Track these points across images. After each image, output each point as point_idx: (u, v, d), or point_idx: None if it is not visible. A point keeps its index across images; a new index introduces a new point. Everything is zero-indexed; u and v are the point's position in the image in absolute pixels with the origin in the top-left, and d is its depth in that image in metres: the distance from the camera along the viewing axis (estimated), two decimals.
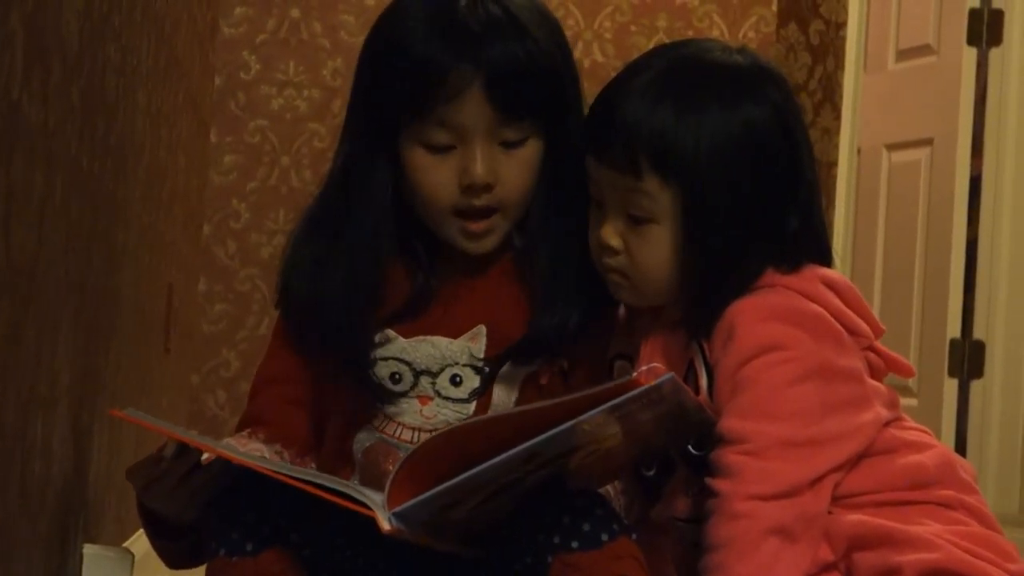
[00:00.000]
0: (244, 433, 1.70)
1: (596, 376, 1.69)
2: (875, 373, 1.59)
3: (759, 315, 1.53)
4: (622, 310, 1.69)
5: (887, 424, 1.56)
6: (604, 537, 1.47)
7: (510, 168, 1.63)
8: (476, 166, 1.61)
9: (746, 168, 1.54)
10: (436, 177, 1.63)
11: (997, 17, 5.09)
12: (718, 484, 1.49)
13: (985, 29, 5.10)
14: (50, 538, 1.78)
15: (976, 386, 5.11)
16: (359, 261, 1.65)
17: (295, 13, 4.20)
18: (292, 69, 4.20)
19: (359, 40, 1.73)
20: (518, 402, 1.66)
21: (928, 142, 5.20)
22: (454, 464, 1.42)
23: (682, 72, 1.58)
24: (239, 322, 4.16)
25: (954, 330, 5.09)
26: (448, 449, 1.44)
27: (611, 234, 1.59)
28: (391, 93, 1.62)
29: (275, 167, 4.19)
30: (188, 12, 3.21)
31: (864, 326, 1.57)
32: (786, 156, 1.57)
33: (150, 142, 2.59)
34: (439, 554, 1.52)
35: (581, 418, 1.40)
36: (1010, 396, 5.11)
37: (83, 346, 1.93)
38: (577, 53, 4.27)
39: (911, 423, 1.60)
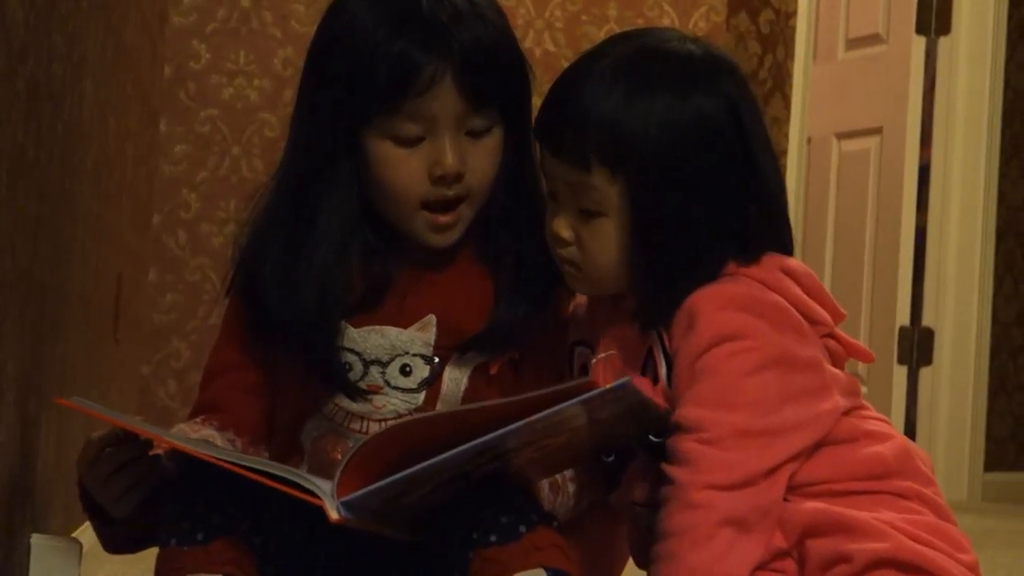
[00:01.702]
0: (197, 420, 1.69)
1: (548, 366, 1.70)
2: (835, 360, 1.59)
3: (719, 304, 1.53)
4: (582, 296, 1.69)
5: (847, 413, 1.56)
6: (522, 529, 1.47)
7: (477, 156, 1.64)
8: (447, 156, 1.61)
9: (696, 160, 1.54)
10: (406, 169, 1.63)
11: (946, 6, 5.13)
12: (674, 472, 1.49)
13: (934, 18, 5.14)
14: None
15: (925, 373, 5.15)
16: (332, 255, 1.65)
17: (245, 2, 4.19)
18: (242, 58, 4.19)
19: (310, 29, 1.72)
20: (467, 391, 1.66)
21: (877, 131, 5.23)
22: (405, 454, 1.42)
23: (632, 63, 1.57)
24: (190, 312, 4.15)
25: (903, 318, 5.13)
26: (401, 440, 1.44)
27: (562, 226, 1.59)
28: (357, 90, 1.61)
29: (226, 157, 4.18)
30: (137, 1, 3.19)
31: (824, 314, 1.57)
32: (739, 148, 1.56)
33: (98, 132, 2.58)
34: (387, 544, 1.53)
35: (535, 417, 1.40)
36: (958, 383, 5.15)
37: (30, 337, 1.93)
38: (528, 42, 4.28)
39: (872, 412, 1.60)
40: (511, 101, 1.66)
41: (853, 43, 5.38)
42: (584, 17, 4.35)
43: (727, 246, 1.56)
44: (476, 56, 1.60)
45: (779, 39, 4.69)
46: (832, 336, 1.59)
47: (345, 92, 1.62)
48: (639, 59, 1.58)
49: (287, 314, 1.65)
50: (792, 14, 4.73)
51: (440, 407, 1.65)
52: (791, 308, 1.54)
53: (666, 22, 4.33)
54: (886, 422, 1.61)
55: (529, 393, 1.44)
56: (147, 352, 4.09)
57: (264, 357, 1.70)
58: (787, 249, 1.60)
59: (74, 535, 2.27)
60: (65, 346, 2.29)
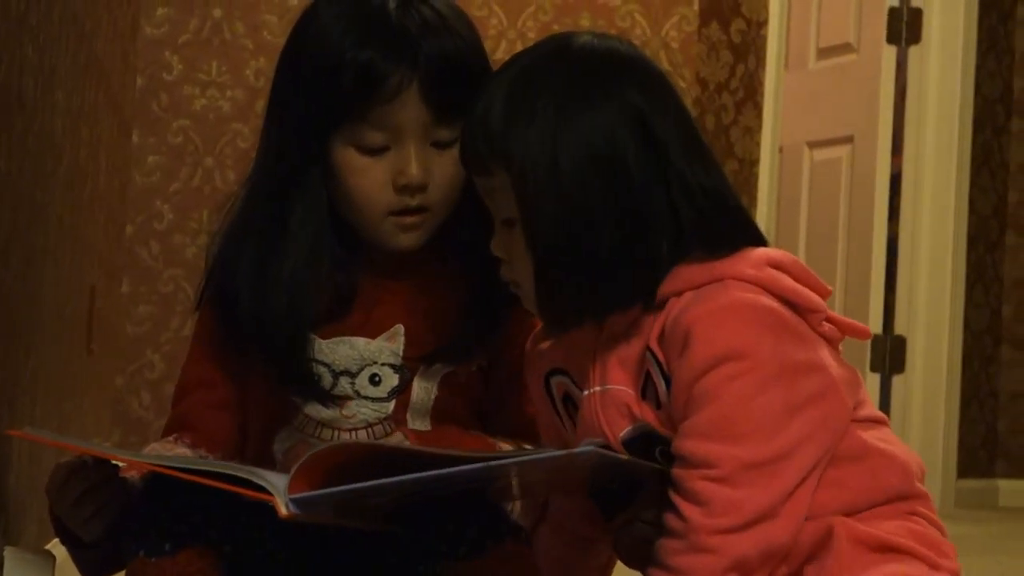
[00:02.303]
0: (170, 438, 1.70)
1: (516, 375, 1.71)
2: (832, 343, 1.55)
3: (714, 320, 1.47)
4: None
5: (854, 418, 1.52)
6: (488, 543, 1.47)
7: (442, 168, 1.64)
8: (411, 166, 1.62)
9: (581, 167, 1.49)
10: (370, 178, 1.63)
11: (916, 16, 5.15)
12: (687, 510, 1.45)
13: (904, 27, 5.16)
14: None
15: (898, 381, 5.16)
16: (302, 262, 1.65)
17: (217, 13, 4.19)
18: (215, 69, 4.19)
19: (282, 40, 1.72)
20: (437, 399, 1.67)
21: (849, 140, 5.25)
22: (364, 465, 1.42)
23: (529, 70, 1.54)
24: (163, 323, 4.14)
25: (876, 326, 5.15)
26: (362, 455, 1.45)
27: (496, 246, 1.56)
28: (325, 98, 1.62)
29: (199, 168, 4.18)
30: (109, 12, 3.19)
31: (818, 300, 1.52)
32: (644, 149, 1.51)
33: (70, 143, 2.57)
34: (356, 553, 1.53)
35: (501, 462, 1.40)
36: (931, 391, 5.17)
37: (1, 349, 1.92)
38: (500, 52, 4.28)
39: (870, 410, 1.56)
40: None
41: (824, 52, 5.40)
42: (556, 27, 4.36)
43: (655, 254, 1.51)
44: (442, 67, 1.61)
45: (750, 48, 4.71)
46: (827, 319, 1.54)
47: (313, 99, 1.63)
48: (536, 66, 1.55)
49: (258, 321, 1.65)
50: (763, 23, 4.75)
51: (410, 415, 1.66)
52: (784, 311, 1.50)
53: (638, 32, 4.35)
54: (885, 423, 1.57)
55: (507, 454, 1.44)
56: (121, 363, 4.09)
57: (235, 371, 1.70)
58: (761, 240, 1.56)
59: (47, 547, 2.27)
60: (38, 357, 2.28)
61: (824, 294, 1.55)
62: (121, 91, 3.67)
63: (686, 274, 1.52)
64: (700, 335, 1.47)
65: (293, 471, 1.41)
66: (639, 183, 1.51)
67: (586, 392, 1.56)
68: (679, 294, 1.51)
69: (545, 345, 1.63)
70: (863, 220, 5.18)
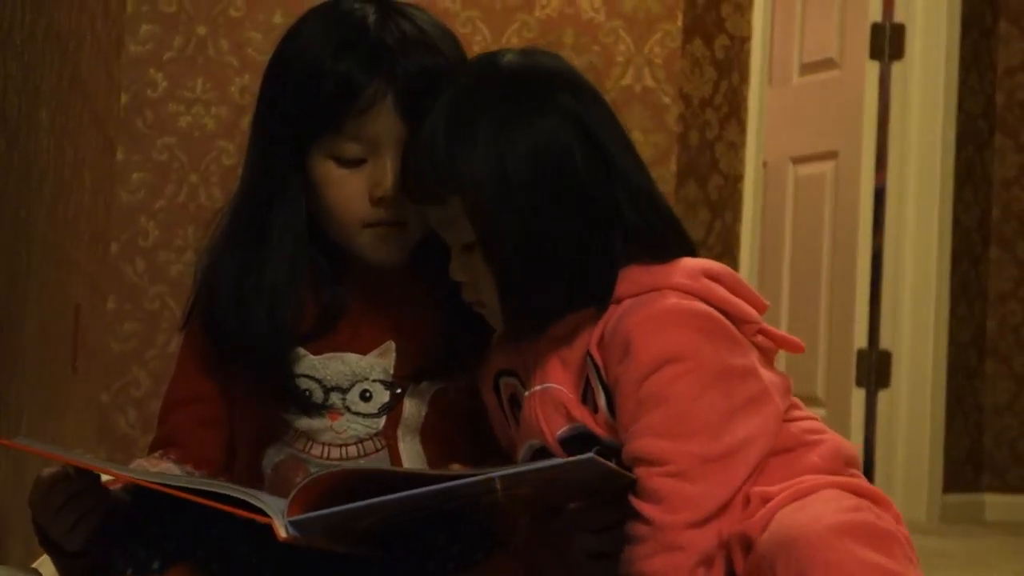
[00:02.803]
0: (156, 455, 1.70)
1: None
2: (766, 354, 1.60)
3: (654, 326, 1.53)
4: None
5: (785, 417, 1.58)
6: (478, 556, 1.48)
7: None
8: (387, 178, 1.63)
9: (530, 179, 1.53)
10: (346, 190, 1.64)
11: (899, 31, 5.17)
12: (648, 510, 1.49)
13: (887, 43, 5.18)
14: None
15: (883, 395, 5.17)
16: (282, 278, 1.66)
17: (202, 31, 4.19)
18: (200, 86, 4.19)
19: (266, 57, 1.74)
20: (427, 417, 1.67)
21: (833, 155, 5.27)
22: (360, 485, 1.43)
23: (462, 92, 1.57)
24: (149, 340, 4.14)
25: (861, 340, 5.15)
26: (357, 479, 1.45)
27: (455, 270, 1.59)
28: (304, 108, 1.63)
29: (184, 185, 4.18)
30: (92, 30, 3.19)
31: (751, 311, 1.58)
32: (587, 157, 1.55)
33: (54, 161, 2.57)
34: (344, 569, 1.53)
35: (498, 473, 1.42)
36: (916, 405, 5.18)
37: None
38: None
39: (803, 411, 1.61)
40: None
41: (807, 68, 5.42)
42: (541, 44, 4.36)
43: (606, 254, 1.55)
44: (420, 81, 1.62)
45: (734, 64, 4.72)
46: (761, 332, 1.60)
47: (292, 111, 1.64)
48: (469, 88, 1.58)
49: (239, 332, 1.65)
50: (747, 39, 4.76)
51: (401, 431, 1.67)
52: (720, 316, 1.55)
53: (622, 48, 4.36)
54: (815, 419, 1.62)
55: (496, 471, 1.46)
56: (106, 380, 4.08)
57: (222, 388, 1.71)
58: (691, 250, 1.61)
59: (34, 566, 2.26)
60: (22, 376, 2.28)
61: (759, 308, 1.60)
62: (105, 109, 3.67)
63: (634, 276, 1.56)
64: (640, 340, 1.52)
65: (292, 494, 1.42)
66: (588, 183, 1.56)
67: (527, 392, 1.59)
68: (619, 301, 1.54)
69: (495, 347, 1.66)
70: (847, 235, 5.19)
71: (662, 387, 1.51)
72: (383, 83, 1.61)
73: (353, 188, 1.64)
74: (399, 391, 1.67)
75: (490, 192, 1.53)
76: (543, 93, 1.56)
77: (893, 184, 5.19)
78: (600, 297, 1.56)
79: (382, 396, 1.67)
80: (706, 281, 1.56)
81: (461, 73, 1.61)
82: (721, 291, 1.57)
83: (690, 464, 1.49)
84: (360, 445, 1.66)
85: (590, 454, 1.44)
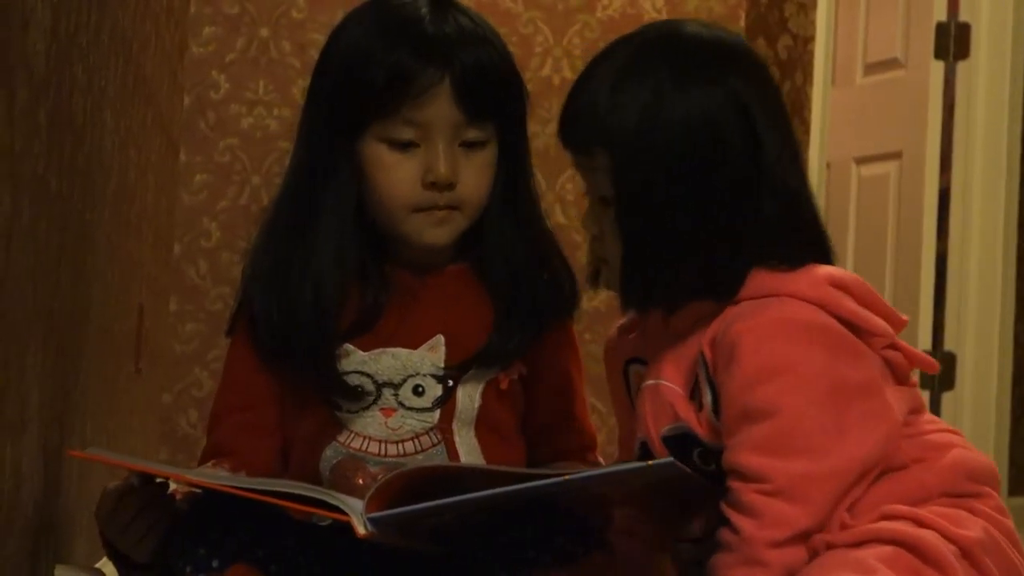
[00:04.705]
0: (208, 464, 1.70)
1: (556, 386, 1.71)
2: (897, 371, 1.54)
3: (763, 334, 1.48)
4: (628, 316, 1.66)
5: (906, 434, 1.52)
6: (578, 551, 1.48)
7: (470, 169, 1.66)
8: (440, 163, 1.64)
9: (680, 153, 1.50)
10: (398, 173, 1.65)
11: (964, 31, 5.12)
12: (740, 522, 1.46)
13: (952, 43, 5.13)
14: (19, 560, 1.77)
15: (947, 398, 5.13)
16: (329, 268, 1.66)
17: (264, 32, 4.20)
18: (262, 88, 4.20)
19: None
20: (481, 408, 1.68)
21: (897, 155, 5.23)
22: (435, 483, 1.43)
23: (637, 49, 1.56)
24: (210, 341, 4.15)
25: (925, 343, 5.11)
26: (434, 475, 1.46)
27: (588, 221, 1.58)
28: (360, 95, 1.64)
29: (246, 186, 4.19)
30: (156, 32, 3.20)
31: (882, 324, 1.52)
32: (744, 142, 1.52)
33: (118, 163, 2.58)
34: (405, 568, 1.53)
35: (577, 476, 1.42)
36: (981, 408, 5.13)
37: (52, 368, 1.93)
38: (546, 69, 4.28)
39: (934, 425, 1.56)
40: (508, 119, 1.69)
41: (871, 68, 5.37)
42: (602, 44, 4.34)
43: (739, 245, 1.51)
44: (475, 69, 1.64)
45: (797, 64, 4.69)
46: (893, 346, 1.54)
47: (343, 99, 1.66)
48: (641, 48, 1.57)
49: (286, 328, 1.66)
50: (810, 39, 4.73)
51: (456, 424, 1.67)
52: (842, 329, 1.49)
53: None
54: (951, 432, 1.57)
55: (577, 471, 1.46)
56: (168, 381, 4.10)
57: (271, 393, 1.71)
58: (827, 258, 1.56)
59: (97, 566, 2.27)
60: (87, 377, 2.29)
61: (894, 322, 1.53)
62: (169, 110, 3.69)
63: (759, 278, 1.51)
64: (746, 348, 1.48)
65: (371, 491, 1.42)
66: (736, 168, 1.51)
67: (643, 385, 1.57)
68: (738, 302, 1.51)
69: (629, 334, 1.65)
70: (911, 236, 5.14)
71: (768, 400, 1.46)
72: (439, 69, 1.63)
73: (405, 172, 1.65)
74: (451, 384, 1.67)
75: (637, 152, 1.50)
76: (715, 69, 1.53)
77: (958, 185, 5.15)
78: (722, 292, 1.51)
79: (435, 390, 1.67)
80: (831, 290, 1.51)
81: (640, 32, 1.59)
82: (847, 302, 1.50)
83: (790, 484, 1.45)
84: (416, 440, 1.67)
85: (670, 459, 1.43)
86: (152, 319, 3.48)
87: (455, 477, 1.45)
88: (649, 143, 1.50)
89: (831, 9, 4.76)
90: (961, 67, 5.14)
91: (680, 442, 1.54)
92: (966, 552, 1.46)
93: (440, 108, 1.63)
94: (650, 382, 1.57)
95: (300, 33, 4.20)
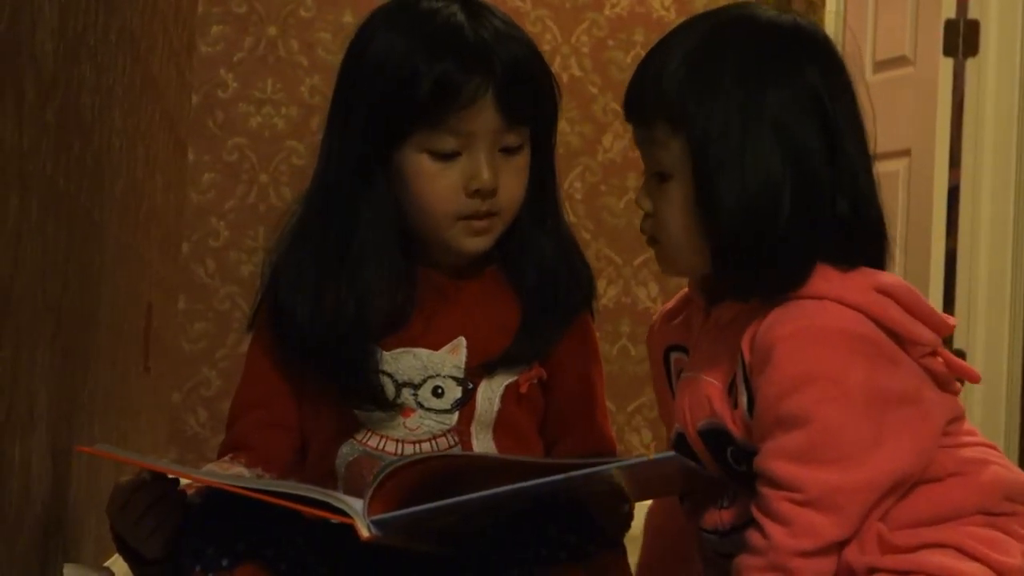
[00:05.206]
0: (226, 458, 1.70)
1: (575, 391, 1.71)
2: (939, 379, 1.51)
3: (801, 340, 1.45)
4: (673, 302, 1.65)
5: (944, 444, 1.50)
6: (591, 549, 1.48)
7: (509, 174, 1.66)
8: (484, 171, 1.64)
9: (759, 140, 1.47)
10: (442, 183, 1.65)
11: (973, 28, 5.11)
12: (770, 528, 1.44)
13: (961, 40, 5.12)
14: (29, 558, 1.77)
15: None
16: (373, 275, 1.66)
17: (272, 31, 4.20)
18: (270, 87, 4.20)
19: (337, 58, 1.73)
20: (500, 412, 1.67)
21: (906, 153, 5.22)
22: (436, 479, 1.42)
23: (715, 30, 1.53)
24: (219, 340, 4.15)
25: None
26: (436, 468, 1.45)
27: (642, 197, 1.55)
28: (401, 108, 1.63)
29: (254, 185, 4.19)
30: (164, 31, 3.20)
31: (927, 333, 1.48)
32: (819, 136, 1.49)
33: (126, 161, 2.58)
34: (415, 570, 1.53)
35: (573, 474, 1.41)
36: (990, 405, 5.12)
37: (60, 367, 1.93)
38: (555, 67, 4.26)
39: (974, 438, 1.53)
40: (542, 121, 1.69)
41: (880, 65, 5.37)
42: (611, 42, 4.35)
43: (815, 237, 1.48)
44: (516, 73, 1.64)
45: None
46: (935, 353, 1.51)
47: (382, 111, 1.64)
48: (721, 29, 1.53)
49: (322, 333, 1.65)
50: None
51: (475, 427, 1.67)
52: (882, 336, 1.46)
53: None
54: (990, 447, 1.54)
55: (576, 460, 1.45)
56: (177, 380, 4.10)
57: (291, 389, 1.71)
58: (880, 262, 1.53)
59: (106, 565, 2.28)
60: (95, 376, 2.29)
61: (940, 328, 1.50)
62: (177, 109, 3.69)
63: (821, 274, 1.48)
64: (782, 354, 1.45)
65: (369, 493, 1.41)
66: (815, 163, 1.49)
67: (683, 375, 1.56)
68: (784, 299, 1.49)
69: (673, 320, 1.63)
70: (920, 234, 5.14)
71: (804, 409, 1.44)
72: (483, 78, 1.62)
73: (449, 181, 1.65)
74: (471, 386, 1.67)
75: (721, 142, 1.47)
76: (793, 59, 1.51)
77: (967, 182, 5.14)
78: (785, 287, 1.47)
79: (454, 392, 1.67)
80: (876, 296, 1.47)
81: (712, 15, 1.56)
82: (892, 308, 1.47)
83: (821, 494, 1.43)
84: (434, 441, 1.67)
85: (673, 453, 1.43)
86: (160, 318, 3.48)
87: (456, 474, 1.44)
88: (731, 134, 1.47)
89: (840, 6, 4.76)
90: (970, 64, 5.13)
91: (715, 438, 1.52)
92: None
93: (484, 117, 1.63)
94: (689, 374, 1.56)
95: (308, 32, 4.20)
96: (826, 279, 1.48)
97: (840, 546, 1.45)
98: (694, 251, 1.52)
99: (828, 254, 1.49)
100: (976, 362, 5.12)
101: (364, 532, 1.40)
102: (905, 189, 5.22)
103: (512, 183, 1.66)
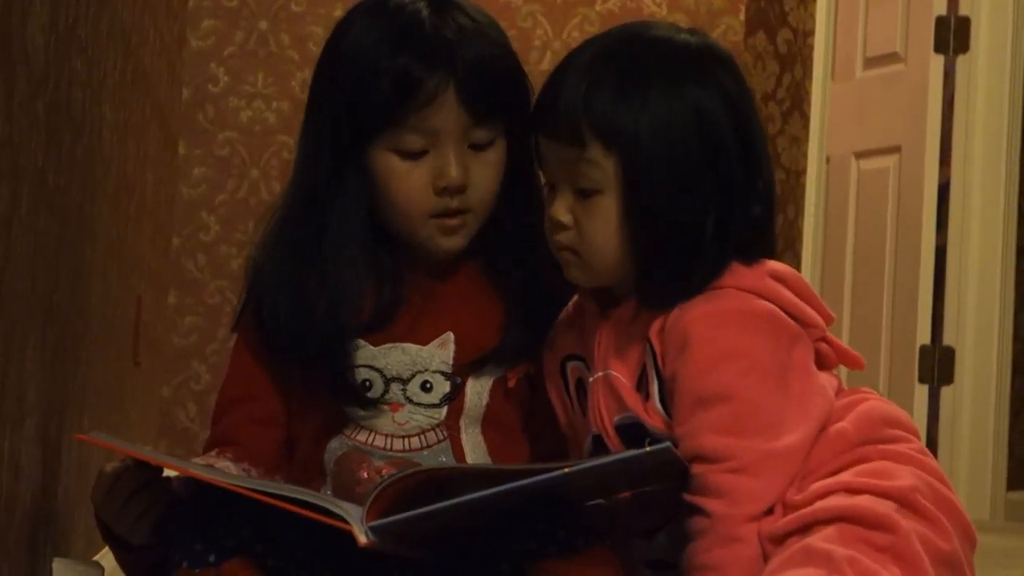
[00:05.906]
0: (212, 453, 1.70)
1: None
2: (826, 363, 1.60)
3: (713, 321, 1.53)
4: (569, 307, 1.68)
5: None
6: (580, 543, 1.48)
7: (480, 169, 1.66)
8: (451, 168, 1.63)
9: (689, 146, 1.53)
10: (410, 182, 1.65)
11: (964, 25, 5.12)
12: (710, 504, 1.49)
13: (952, 37, 5.13)
14: (18, 552, 1.77)
15: (946, 392, 5.13)
16: (343, 272, 1.66)
17: (263, 25, 4.20)
18: (261, 81, 4.20)
19: None
20: (489, 407, 1.68)
21: (896, 149, 5.22)
22: (431, 486, 1.43)
23: (628, 45, 1.58)
24: (209, 335, 4.15)
25: (924, 336, 5.11)
26: (431, 478, 1.46)
27: (561, 210, 1.58)
28: (364, 106, 1.63)
29: (244, 179, 4.19)
30: (155, 25, 3.20)
31: (817, 317, 1.58)
32: (737, 141, 1.55)
33: (117, 156, 2.58)
34: (406, 567, 1.53)
35: (576, 468, 1.43)
36: (980, 402, 5.13)
37: (50, 361, 1.93)
38: (545, 63, 4.28)
39: (843, 392, 1.61)
40: (514, 115, 1.68)
41: (871, 62, 5.37)
42: None
43: (733, 240, 1.55)
44: (479, 70, 1.63)
45: (797, 58, 4.69)
46: (824, 340, 1.60)
47: (349, 108, 1.64)
48: (635, 43, 1.58)
49: (298, 330, 1.66)
50: (810, 33, 4.73)
51: (463, 421, 1.68)
52: (781, 314, 1.55)
53: None
54: (862, 392, 1.61)
55: (575, 463, 1.46)
56: (167, 375, 4.10)
57: (277, 384, 1.71)
58: (771, 251, 1.60)
59: (95, 559, 2.28)
60: (86, 369, 2.29)
61: (824, 317, 1.59)
62: (168, 103, 3.69)
63: (728, 268, 1.56)
64: (698, 336, 1.52)
65: (369, 500, 1.42)
66: (736, 165, 1.56)
67: (592, 377, 1.58)
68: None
69: (567, 331, 1.66)
70: (911, 230, 5.14)
71: (725, 384, 1.51)
72: (444, 75, 1.62)
73: (417, 180, 1.65)
74: (459, 381, 1.67)
75: (652, 152, 1.53)
76: (709, 68, 1.57)
77: (957, 179, 5.15)
78: (700, 287, 1.55)
79: (443, 387, 1.67)
80: (771, 282, 1.56)
81: (616, 33, 1.61)
82: (786, 293, 1.56)
83: (753, 459, 1.49)
84: (422, 436, 1.67)
85: (667, 443, 1.44)
86: (151, 312, 3.48)
87: (453, 480, 1.45)
88: (661, 143, 1.53)
89: (831, 3, 4.76)
90: (961, 61, 5.14)
91: (632, 431, 1.56)
92: (903, 502, 1.49)
93: (447, 114, 1.62)
94: (599, 374, 1.60)
95: (299, 26, 4.20)
96: (731, 272, 1.56)
97: (777, 508, 1.50)
98: (619, 262, 1.56)
99: (745, 252, 1.57)
100: (966, 357, 5.13)
101: (362, 538, 1.40)
102: (895, 185, 5.23)
103: (483, 179, 1.66)
